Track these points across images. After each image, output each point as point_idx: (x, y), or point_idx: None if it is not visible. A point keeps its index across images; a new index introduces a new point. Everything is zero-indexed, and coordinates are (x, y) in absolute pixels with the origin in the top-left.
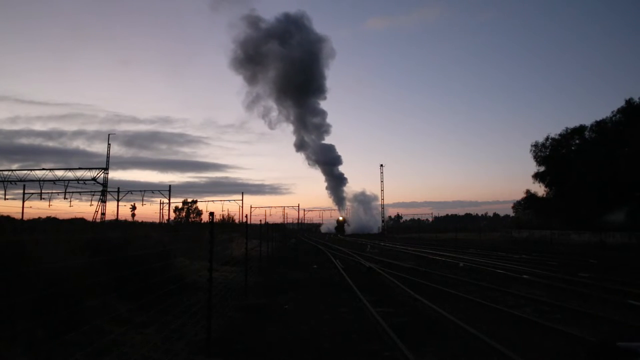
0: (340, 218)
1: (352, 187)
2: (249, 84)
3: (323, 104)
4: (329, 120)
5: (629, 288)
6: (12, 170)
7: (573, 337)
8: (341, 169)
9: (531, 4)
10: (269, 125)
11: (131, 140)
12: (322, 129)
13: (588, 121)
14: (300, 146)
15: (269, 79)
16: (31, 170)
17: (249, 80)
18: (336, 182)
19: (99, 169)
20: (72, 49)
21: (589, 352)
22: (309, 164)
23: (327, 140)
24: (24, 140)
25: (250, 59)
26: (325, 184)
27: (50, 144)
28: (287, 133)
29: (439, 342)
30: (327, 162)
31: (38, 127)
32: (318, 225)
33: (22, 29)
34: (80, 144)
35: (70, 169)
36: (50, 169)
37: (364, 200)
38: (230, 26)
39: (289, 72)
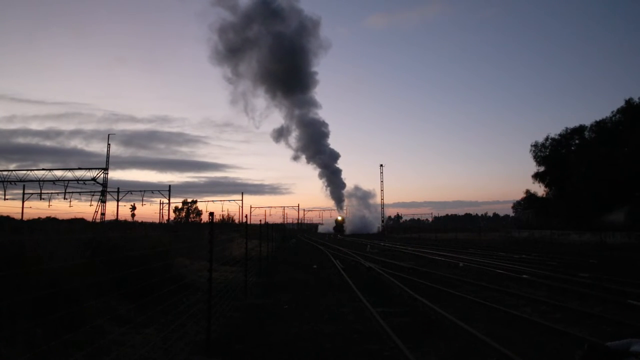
0: (339, 218)
1: (349, 184)
2: (231, 77)
3: (320, 99)
4: (327, 119)
5: (629, 288)
6: (11, 170)
7: (573, 337)
8: (340, 168)
9: (531, 3)
10: (254, 124)
11: (129, 139)
12: (312, 118)
13: (588, 121)
14: (280, 134)
15: (251, 69)
16: (31, 170)
17: (231, 73)
18: (331, 171)
19: (98, 169)
20: (68, 46)
21: (580, 355)
22: (293, 156)
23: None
24: (21, 140)
25: (231, 48)
26: (318, 171)
27: (48, 143)
28: None
29: (438, 341)
30: (317, 149)
31: (35, 126)
32: (316, 226)
33: (17, 27)
34: (77, 143)
35: (69, 169)
36: (49, 169)
37: (361, 196)
38: (204, 14)
39: (272, 56)
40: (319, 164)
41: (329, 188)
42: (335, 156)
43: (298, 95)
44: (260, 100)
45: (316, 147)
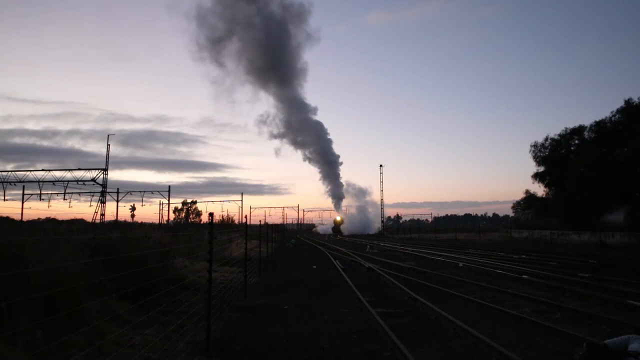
0: (338, 218)
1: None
2: (215, 77)
3: (318, 98)
4: (325, 119)
5: (629, 288)
6: (11, 171)
7: (573, 337)
8: (340, 168)
9: (531, 2)
10: (236, 117)
11: (127, 139)
12: (296, 97)
13: (587, 121)
14: (264, 122)
15: (234, 57)
16: (30, 171)
17: (213, 63)
18: (325, 160)
19: (98, 169)
20: (63, 45)
21: (579, 355)
22: (275, 150)
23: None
24: (18, 140)
25: (212, 38)
26: (309, 159)
27: (45, 143)
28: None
29: (438, 342)
30: (303, 132)
31: (31, 126)
32: (313, 226)
33: (12, 26)
34: (75, 143)
35: (69, 170)
36: (49, 170)
37: (355, 194)
38: (177, 5)
39: (255, 41)
40: (305, 147)
41: (322, 174)
42: (326, 142)
43: (282, 82)
44: (243, 95)
45: (301, 130)
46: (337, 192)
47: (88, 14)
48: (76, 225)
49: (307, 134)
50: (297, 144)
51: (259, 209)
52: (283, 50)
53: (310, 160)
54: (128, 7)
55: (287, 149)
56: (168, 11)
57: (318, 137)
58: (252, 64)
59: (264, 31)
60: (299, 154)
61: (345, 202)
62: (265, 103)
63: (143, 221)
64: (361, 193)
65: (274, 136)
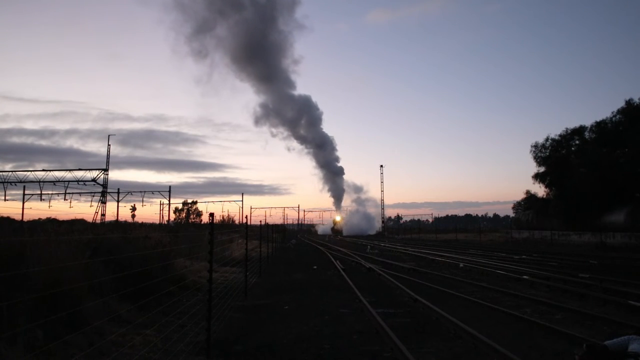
0: (338, 218)
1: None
2: (201, 77)
3: (318, 98)
4: (325, 118)
5: (629, 289)
6: (11, 171)
7: (573, 338)
8: (340, 165)
9: (532, 2)
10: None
11: (126, 139)
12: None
13: (588, 122)
14: (262, 116)
15: (219, 48)
16: (31, 171)
17: (197, 55)
18: (325, 160)
19: (98, 169)
20: (61, 43)
21: (579, 356)
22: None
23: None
24: (16, 139)
25: (194, 28)
26: (314, 164)
27: (43, 143)
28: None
29: (439, 342)
30: (293, 117)
31: (29, 125)
32: (312, 227)
33: (10, 25)
34: (73, 142)
35: (69, 170)
36: (49, 170)
37: (352, 192)
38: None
39: (240, 28)
40: (297, 137)
41: (324, 184)
42: (319, 127)
43: (271, 69)
44: (233, 91)
45: (290, 114)
46: (336, 187)
47: (86, 13)
48: (77, 225)
49: (296, 120)
50: (289, 135)
51: (259, 209)
52: (272, 35)
53: (300, 149)
54: (126, 5)
55: (280, 144)
56: (142, 6)
57: (302, 116)
58: (239, 51)
59: (250, 14)
60: (296, 152)
61: (345, 202)
62: (256, 96)
63: (144, 221)
64: (357, 190)
65: (258, 123)
